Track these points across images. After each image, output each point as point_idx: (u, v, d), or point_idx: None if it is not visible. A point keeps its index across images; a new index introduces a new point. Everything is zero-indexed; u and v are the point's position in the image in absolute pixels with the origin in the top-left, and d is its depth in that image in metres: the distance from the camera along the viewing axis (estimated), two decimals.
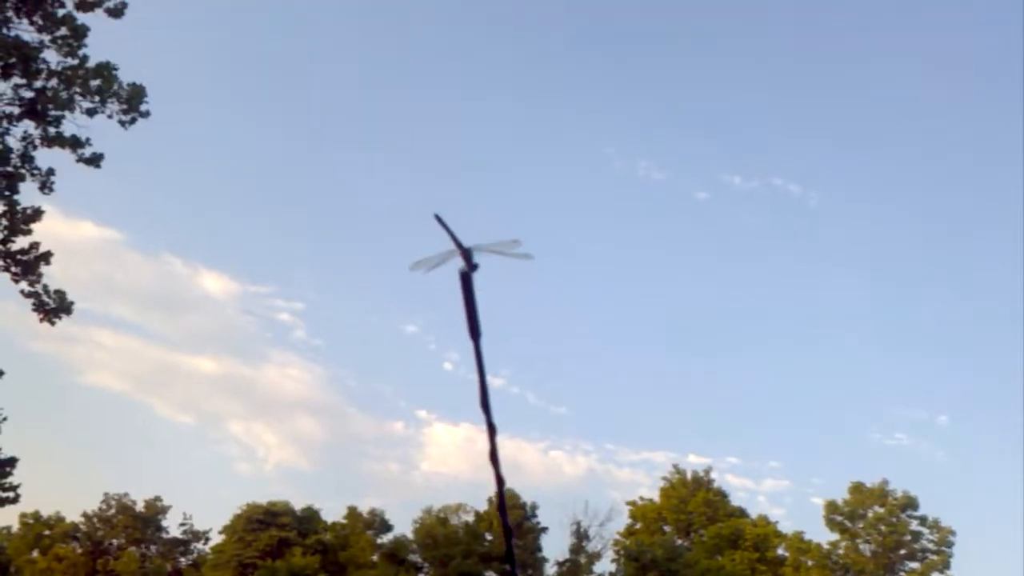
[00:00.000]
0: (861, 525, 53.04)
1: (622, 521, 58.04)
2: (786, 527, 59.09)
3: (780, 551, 54.46)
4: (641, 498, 59.40)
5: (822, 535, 57.29)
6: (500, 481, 0.89)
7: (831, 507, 54.10)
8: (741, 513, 57.20)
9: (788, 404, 76.15)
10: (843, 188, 77.94)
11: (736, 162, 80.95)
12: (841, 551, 52.73)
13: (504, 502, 1.09)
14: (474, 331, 0.74)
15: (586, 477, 73.74)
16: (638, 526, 57.66)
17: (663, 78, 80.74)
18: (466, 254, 0.82)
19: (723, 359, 76.98)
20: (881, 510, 52.65)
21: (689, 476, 58.97)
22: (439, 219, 0.86)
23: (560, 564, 53.29)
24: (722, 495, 58.30)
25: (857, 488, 53.80)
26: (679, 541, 55.18)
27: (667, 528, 57.52)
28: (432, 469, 77.14)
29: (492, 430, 0.72)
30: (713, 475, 58.78)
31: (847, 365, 74.94)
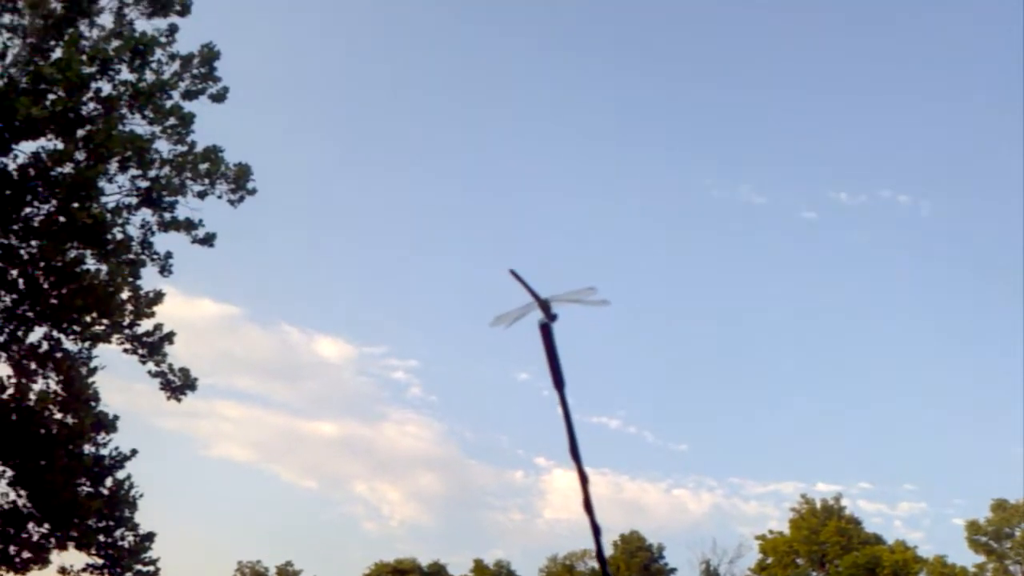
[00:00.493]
0: (1008, 545, 50.33)
1: (752, 557, 56.51)
2: (926, 551, 56.46)
3: None
4: (771, 532, 57.74)
5: (966, 558, 54.45)
6: (596, 530, 0.89)
7: (973, 527, 51.52)
8: (877, 540, 54.94)
9: (920, 422, 73.01)
10: (955, 194, 74.78)
11: (840, 177, 78.63)
12: (989, 574, 50.11)
13: (602, 551, 1.09)
14: (558, 381, 0.74)
15: (712, 514, 72.13)
16: (769, 561, 55.97)
17: (753, 101, 79.45)
18: (544, 305, 0.83)
19: (847, 380, 74.42)
20: None
21: (819, 505, 57.06)
22: (515, 274, 0.87)
23: None
24: (855, 522, 56.15)
25: (1000, 505, 51.13)
26: (813, 574, 53.31)
27: (800, 561, 55.66)
28: (554, 516, 76.68)
29: (584, 479, 0.72)
30: (844, 502, 56.75)
31: (982, 376, 71.46)
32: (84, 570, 20.09)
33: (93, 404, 19.68)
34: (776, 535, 57.01)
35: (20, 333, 18.89)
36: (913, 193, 75.62)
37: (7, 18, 18.28)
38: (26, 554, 19.52)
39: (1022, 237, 77.71)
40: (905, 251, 76.27)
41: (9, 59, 17.79)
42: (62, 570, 20.07)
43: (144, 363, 20.68)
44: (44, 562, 19.73)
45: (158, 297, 20.72)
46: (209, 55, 20.95)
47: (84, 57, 18.45)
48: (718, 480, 78.48)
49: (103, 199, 19.46)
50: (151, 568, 20.80)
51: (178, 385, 21.04)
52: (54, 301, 18.61)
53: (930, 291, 74.24)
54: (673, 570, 52.40)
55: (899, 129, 77.22)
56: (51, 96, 17.97)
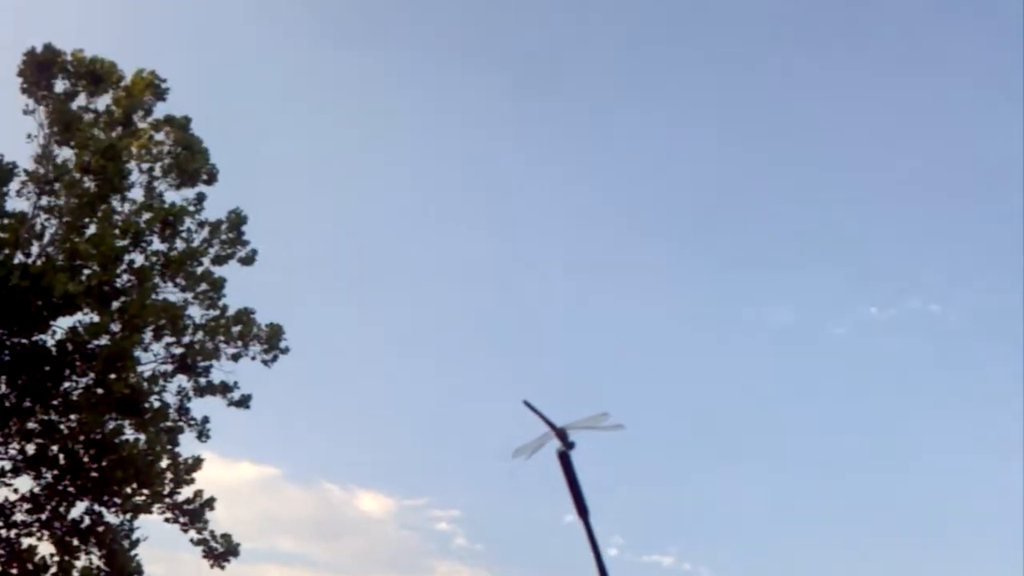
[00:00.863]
0: None
1: None
2: None
3: None
4: None
5: None
6: None
7: None
8: None
9: (987, 534, 70.22)
10: (982, 299, 74.27)
11: (869, 291, 78.43)
12: None
13: None
14: (581, 509, 0.69)
15: None
16: None
17: (778, 217, 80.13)
18: (561, 434, 0.79)
19: (907, 499, 72.18)
20: None
21: None
22: (529, 405, 0.85)
23: None
24: None
25: None
26: None
27: None
28: None
29: None
30: None
31: None
32: None
33: None
34: None
35: (62, 509, 18.73)
36: (943, 302, 75.30)
37: (44, 200, 19.02)
38: None
39: None
40: (940, 360, 75.34)
41: (46, 239, 18.40)
42: None
43: (186, 531, 20.35)
44: None
45: (197, 463, 20.60)
46: (237, 220, 21.60)
47: (117, 231, 19.05)
48: None
49: (139, 368, 19.66)
50: None
51: (220, 552, 20.62)
52: (94, 474, 18.53)
53: (970, 403, 72.85)
54: None
55: (923, 240, 77.53)
56: (86, 271, 18.46)
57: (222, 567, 20.55)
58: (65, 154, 19.55)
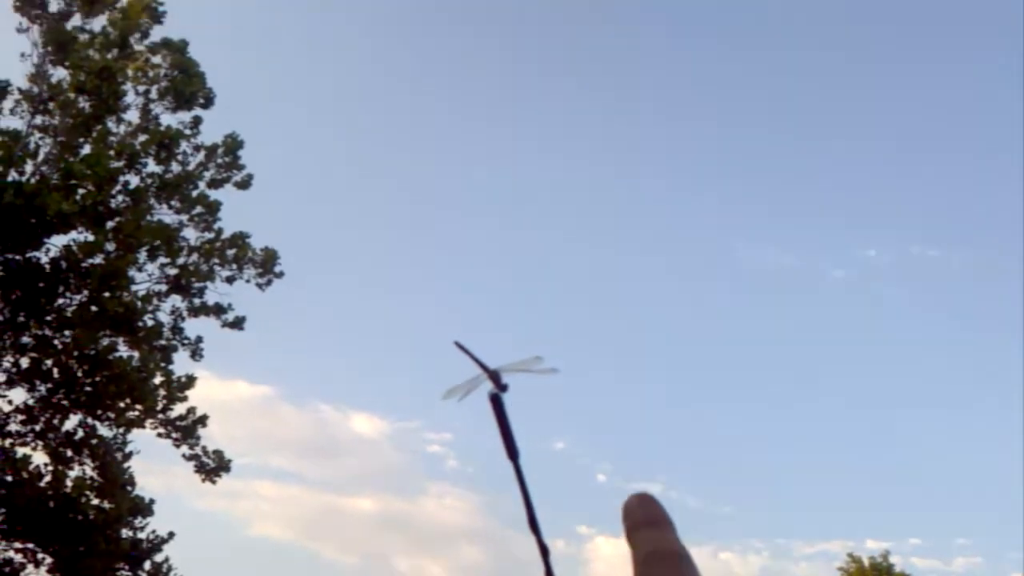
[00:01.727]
0: None
1: None
2: None
3: None
4: None
5: None
6: (545, 551, 0.86)
7: None
8: None
9: (969, 473, 70.79)
10: (988, 248, 73.52)
11: (869, 234, 77.89)
12: None
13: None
14: (511, 452, 0.73)
15: None
16: None
17: (782, 156, 79.47)
18: (493, 376, 0.82)
19: (892, 435, 72.62)
20: None
21: (867, 563, 55.32)
22: (460, 346, 0.88)
23: None
24: None
25: None
26: None
27: None
28: None
29: (545, 552, 0.69)
30: (893, 559, 54.79)
31: None
32: None
33: (129, 489, 19.97)
34: None
35: (56, 421, 19.36)
36: (944, 247, 74.67)
37: (39, 119, 19.24)
38: None
39: None
40: (940, 305, 75.01)
41: (41, 157, 18.68)
42: None
43: (178, 447, 21.02)
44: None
45: (190, 381, 21.15)
46: (233, 144, 21.79)
47: (112, 152, 19.29)
48: (764, 542, 76.29)
49: (133, 287, 20.10)
50: None
51: (212, 467, 21.31)
52: (88, 389, 19.09)
53: (966, 344, 72.74)
54: None
55: (928, 183, 76.67)
56: (81, 191, 18.77)
57: (213, 482, 21.27)
58: (59, 74, 19.72)
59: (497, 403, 0.79)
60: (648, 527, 0.52)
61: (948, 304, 73.20)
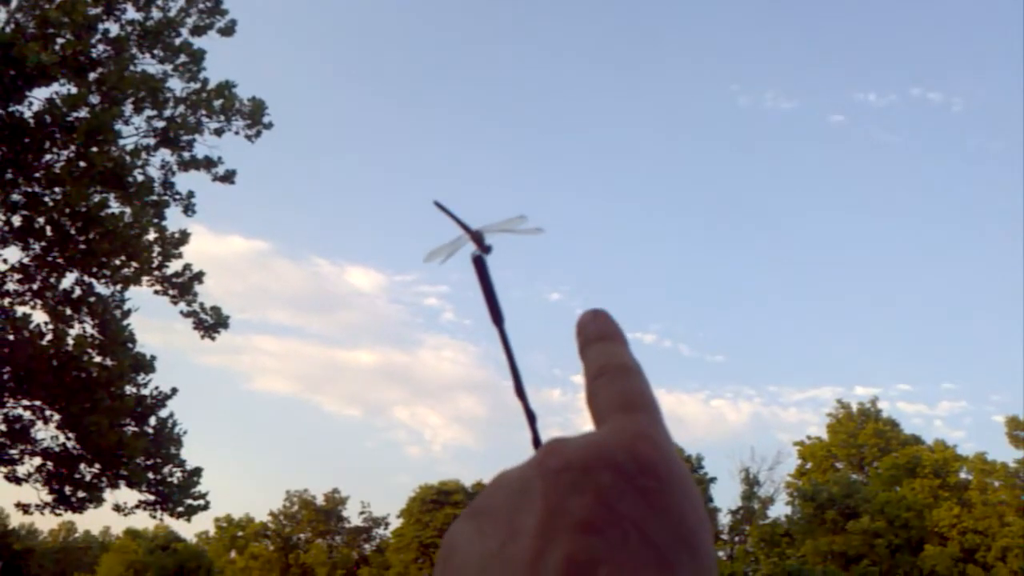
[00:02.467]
0: None
1: (792, 463, 57.03)
2: (968, 449, 56.70)
3: (963, 475, 52.23)
4: (808, 437, 58.12)
5: (1007, 454, 54.48)
6: (531, 418, 0.81)
7: (1013, 423, 51.42)
8: (916, 441, 55.15)
9: (957, 321, 72.42)
10: (989, 90, 72.44)
11: (869, 77, 76.52)
12: None
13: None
14: (496, 316, 0.65)
15: (751, 422, 72.63)
16: (809, 466, 56.46)
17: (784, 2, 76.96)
18: (476, 237, 0.75)
19: (883, 282, 73.66)
20: None
21: (855, 409, 57.23)
22: (440, 205, 0.81)
23: (733, 512, 52.85)
24: (893, 424, 56.36)
25: None
26: (853, 476, 53.70)
27: (839, 465, 56.08)
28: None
29: (531, 418, 0.64)
30: (881, 404, 56.90)
31: (1017, 274, 70.30)
32: (137, 506, 20.64)
33: (130, 346, 19.95)
34: (814, 440, 57.35)
35: (53, 280, 19.10)
36: (945, 90, 73.53)
37: None
38: (81, 494, 20.06)
39: None
40: (936, 149, 74.57)
41: (14, 4, 17.65)
42: (116, 507, 20.64)
43: (176, 303, 20.89)
44: (99, 500, 20.28)
45: (184, 237, 20.83)
46: None
47: None
48: (756, 389, 78.73)
49: (121, 142, 19.46)
50: (201, 502, 21.32)
51: (211, 323, 21.26)
52: (82, 246, 18.75)
53: (965, 186, 72.82)
54: (713, 479, 52.94)
55: (927, 25, 74.85)
56: (59, 40, 17.87)
57: (212, 338, 21.28)
58: None
59: (480, 265, 0.68)
60: (600, 341, 0.52)
61: (946, 147, 72.86)
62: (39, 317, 19.08)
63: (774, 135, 75.20)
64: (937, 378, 77.91)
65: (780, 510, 55.17)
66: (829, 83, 75.89)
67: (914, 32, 73.82)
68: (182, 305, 20.92)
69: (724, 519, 52.65)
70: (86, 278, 19.33)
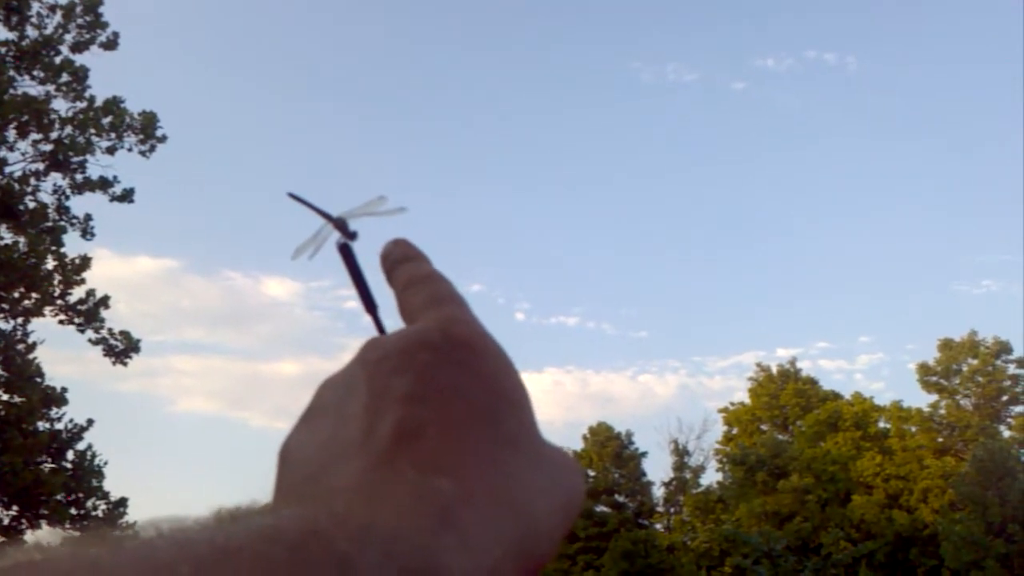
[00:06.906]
0: (957, 381, 52.32)
1: (719, 430, 58.07)
2: (887, 399, 58.40)
3: (882, 424, 54.07)
4: (732, 403, 59.36)
5: (921, 399, 56.44)
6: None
7: (923, 369, 53.45)
8: (835, 396, 56.81)
9: (868, 275, 74.67)
10: (882, 49, 74.70)
11: (765, 44, 78.10)
12: (943, 411, 52.12)
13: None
14: (368, 304, 0.59)
15: (680, 394, 73.45)
16: (735, 431, 57.66)
17: None
18: (340, 224, 0.68)
19: (793, 243, 75.50)
20: (975, 362, 51.84)
21: (775, 371, 58.67)
22: (296, 196, 0.73)
23: (666, 484, 53.62)
24: (812, 382, 57.94)
25: (946, 344, 53.00)
26: (779, 437, 55.08)
27: (764, 427, 57.44)
28: None
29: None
30: (802, 364, 58.38)
31: (921, 224, 72.74)
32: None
33: (38, 380, 19.18)
34: (738, 405, 58.58)
35: None
36: (839, 50, 75.58)
37: None
38: None
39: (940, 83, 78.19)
40: (836, 110, 76.76)
41: None
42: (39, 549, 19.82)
43: (82, 331, 20.15)
44: (19, 544, 19.47)
45: (85, 262, 20.09)
46: (92, 1, 19.94)
47: None
48: (681, 360, 79.77)
49: (7, 169, 18.67)
50: (129, 532, 20.57)
51: (121, 349, 20.58)
52: None
53: (864, 148, 75.15)
54: (644, 453, 53.55)
55: None
56: None
57: (124, 364, 20.61)
58: None
59: (347, 253, 0.64)
60: (405, 262, 0.55)
61: (844, 106, 74.99)
62: None
63: (680, 107, 76.21)
64: (854, 332, 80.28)
65: (712, 477, 56.26)
66: (728, 52, 77.25)
67: None
68: (89, 333, 20.21)
69: (658, 492, 53.40)
70: None
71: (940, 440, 51.93)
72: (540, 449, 0.43)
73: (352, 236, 0.74)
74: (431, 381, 0.41)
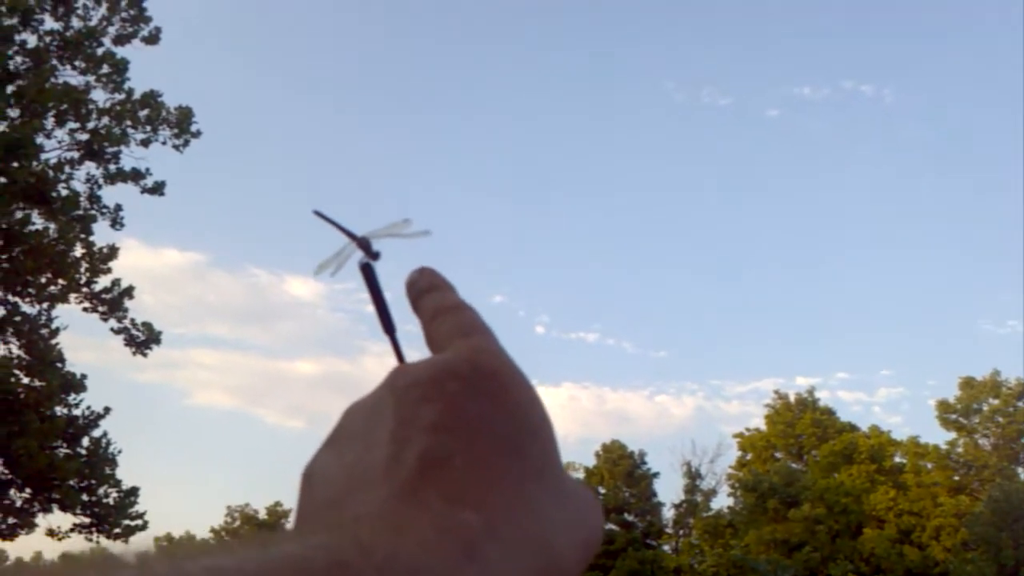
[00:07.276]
0: (977, 420, 51.73)
1: (732, 455, 57.70)
2: (904, 434, 57.91)
3: (897, 459, 53.53)
4: (747, 429, 58.96)
5: (939, 436, 55.77)
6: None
7: (943, 406, 52.86)
8: (852, 428, 56.31)
9: (893, 308, 73.96)
10: (919, 83, 73.95)
11: (803, 72, 77.59)
12: (960, 449, 51.54)
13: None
14: (387, 325, 0.61)
15: (695, 416, 73.08)
16: (749, 457, 57.27)
17: None
18: (363, 244, 0.71)
19: (821, 272, 74.92)
20: (996, 402, 51.23)
21: (792, 399, 58.25)
22: (320, 214, 0.76)
23: (677, 506, 53.32)
24: (829, 412, 57.46)
25: (968, 383, 52.40)
26: (793, 465, 54.65)
27: (778, 455, 57.02)
28: None
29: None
30: (819, 394, 57.86)
31: (951, 260, 71.99)
32: (71, 530, 20.07)
33: (59, 365, 19.40)
34: (753, 431, 58.20)
35: None
36: (876, 82, 75.04)
37: None
38: (11, 520, 19.44)
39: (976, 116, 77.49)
40: (869, 141, 76.17)
41: None
42: (50, 532, 20.05)
43: (105, 320, 20.36)
44: (31, 526, 19.69)
45: (113, 252, 20.32)
46: None
47: (3, 9, 17.71)
48: (699, 383, 79.29)
49: (43, 156, 18.93)
50: (139, 522, 20.83)
51: (142, 340, 20.77)
52: (6, 265, 18.17)
53: (894, 178, 74.49)
54: (656, 474, 53.33)
55: (859, 18, 76.38)
56: None
57: (144, 355, 20.79)
58: None
59: (368, 273, 0.68)
60: (432, 291, 0.55)
61: (878, 138, 74.45)
62: None
63: (713, 131, 75.89)
64: (876, 365, 79.54)
65: (723, 501, 55.84)
66: (764, 78, 76.87)
67: (845, 26, 75.20)
68: (112, 322, 20.42)
69: (668, 513, 53.13)
70: (11, 297, 18.74)
71: (956, 478, 51.29)
72: (563, 483, 0.44)
73: (375, 256, 0.75)
74: (459, 411, 0.42)
